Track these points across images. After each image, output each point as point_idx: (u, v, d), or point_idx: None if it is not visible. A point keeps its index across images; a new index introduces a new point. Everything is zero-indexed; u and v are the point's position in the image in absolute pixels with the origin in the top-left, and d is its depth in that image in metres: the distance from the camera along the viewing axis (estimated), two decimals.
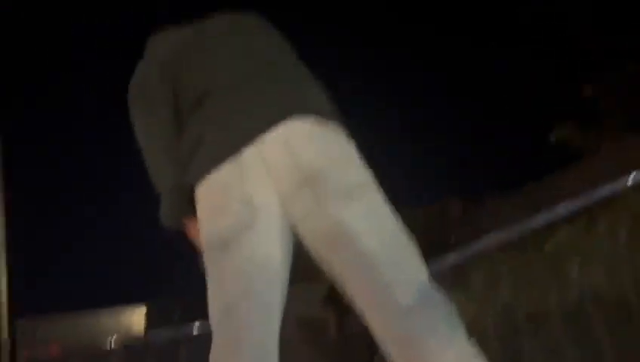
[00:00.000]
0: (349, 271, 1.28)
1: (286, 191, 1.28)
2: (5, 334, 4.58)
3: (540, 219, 2.21)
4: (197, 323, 5.47)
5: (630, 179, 1.93)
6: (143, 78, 1.49)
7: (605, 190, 2.01)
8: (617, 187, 2.00)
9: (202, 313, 1.38)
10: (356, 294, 1.29)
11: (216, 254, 1.31)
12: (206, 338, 1.36)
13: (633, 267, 2.11)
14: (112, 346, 6.35)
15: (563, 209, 2.10)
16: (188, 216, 1.39)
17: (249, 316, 1.29)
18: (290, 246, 1.34)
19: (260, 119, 1.29)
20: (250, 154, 1.27)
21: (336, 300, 2.87)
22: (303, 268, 1.43)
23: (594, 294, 2.16)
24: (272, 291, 1.31)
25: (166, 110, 1.43)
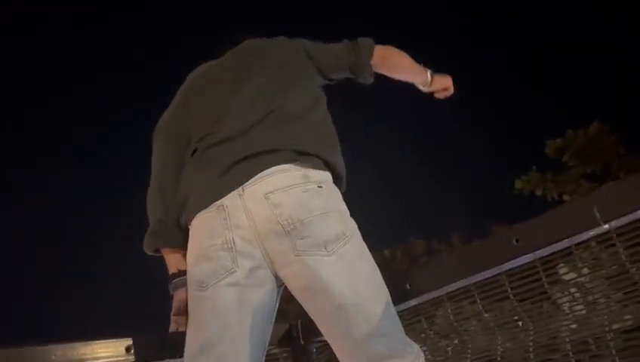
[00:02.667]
0: (325, 320, 1.33)
1: (267, 241, 1.32)
2: None
3: (506, 266, 2.21)
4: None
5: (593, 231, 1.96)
6: (157, 130, 1.62)
7: (573, 239, 2.03)
8: (588, 234, 2.02)
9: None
10: (331, 341, 1.34)
11: (197, 294, 1.37)
12: None
13: (596, 313, 2.12)
14: None
15: (530, 257, 2.11)
16: (168, 248, 1.49)
17: (223, 358, 1.32)
18: (272, 291, 1.39)
19: (244, 172, 1.35)
20: (235, 204, 1.34)
21: (293, 340, 2.79)
22: None
23: (555, 339, 2.16)
24: (250, 334, 1.34)
25: (165, 161, 1.55)
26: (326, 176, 1.41)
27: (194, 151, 1.51)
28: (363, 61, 1.69)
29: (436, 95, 1.90)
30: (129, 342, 2.41)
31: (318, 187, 1.36)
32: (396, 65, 1.80)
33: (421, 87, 1.86)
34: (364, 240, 1.41)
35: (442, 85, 1.87)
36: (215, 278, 1.35)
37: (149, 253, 1.52)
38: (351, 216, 1.45)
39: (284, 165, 1.36)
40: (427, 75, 1.82)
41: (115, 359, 2.37)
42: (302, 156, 1.38)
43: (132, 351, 2.40)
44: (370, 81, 1.76)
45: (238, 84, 1.54)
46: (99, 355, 2.34)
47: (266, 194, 1.33)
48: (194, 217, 1.40)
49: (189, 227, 1.43)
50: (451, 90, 1.90)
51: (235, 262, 1.34)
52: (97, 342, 2.37)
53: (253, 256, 1.34)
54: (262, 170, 1.35)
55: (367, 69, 1.72)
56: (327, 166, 1.43)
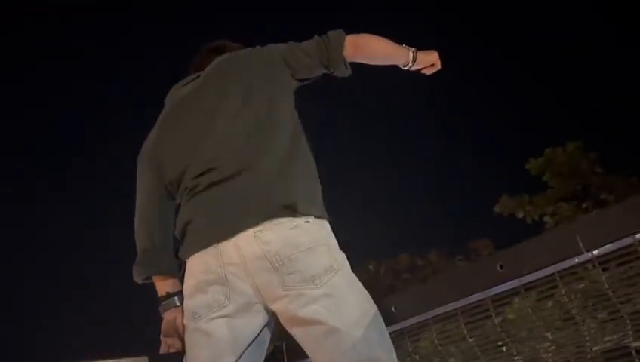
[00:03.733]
0: (314, 348, 1.36)
1: (257, 277, 1.36)
2: None
3: (490, 291, 2.24)
4: None
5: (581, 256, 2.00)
6: (140, 156, 1.65)
7: (562, 264, 2.07)
8: (571, 262, 2.07)
9: None
10: None
11: (192, 324, 1.43)
12: None
13: (577, 342, 2.15)
14: None
15: (515, 283, 2.14)
16: (156, 276, 1.53)
17: None
18: (264, 322, 1.42)
19: (236, 219, 1.39)
20: (227, 243, 1.39)
21: None
22: None
23: None
24: None
25: (149, 191, 1.59)
26: (313, 212, 1.43)
27: (184, 188, 1.52)
28: (335, 55, 1.63)
29: (423, 72, 1.82)
30: (145, 360, 2.39)
31: (305, 222, 1.39)
32: (373, 51, 1.71)
33: (407, 68, 1.77)
34: (349, 252, 1.45)
35: (428, 62, 1.79)
36: (208, 310, 1.40)
37: (139, 281, 1.56)
38: (336, 229, 1.47)
39: (272, 215, 1.39)
40: (410, 54, 1.74)
41: None
42: (289, 201, 1.40)
43: None
44: (348, 73, 1.69)
45: (214, 120, 1.53)
46: None
47: (256, 232, 1.37)
48: (191, 254, 1.45)
49: (186, 261, 1.47)
50: (438, 66, 1.82)
51: (228, 297, 1.38)
52: (112, 360, 2.33)
53: (245, 292, 1.38)
54: (252, 222, 1.38)
55: (340, 63, 1.64)
56: (316, 207, 1.45)
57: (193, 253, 1.44)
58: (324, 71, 1.68)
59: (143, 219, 1.58)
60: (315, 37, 1.66)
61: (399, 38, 1.76)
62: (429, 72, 1.83)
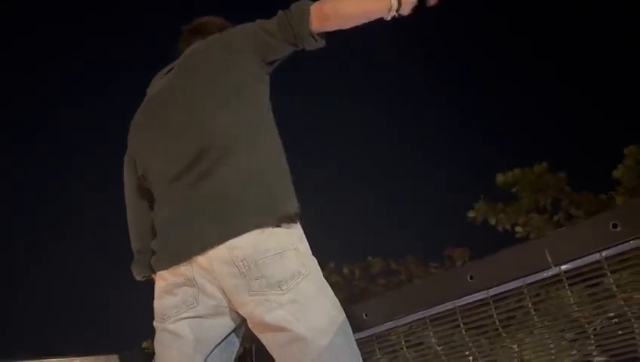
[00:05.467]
0: (280, 354, 1.35)
1: (223, 282, 1.36)
2: None
3: (460, 302, 2.27)
4: None
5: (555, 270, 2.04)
6: (126, 156, 1.64)
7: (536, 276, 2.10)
8: (534, 278, 2.10)
9: None
10: None
11: (160, 326, 1.43)
12: None
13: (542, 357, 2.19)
14: None
15: (484, 294, 2.17)
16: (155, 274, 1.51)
17: None
18: (232, 324, 1.43)
19: (207, 235, 1.37)
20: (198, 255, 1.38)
21: None
22: None
23: None
24: None
25: (130, 191, 1.61)
26: (284, 218, 1.40)
27: (155, 186, 1.53)
28: (300, 30, 1.47)
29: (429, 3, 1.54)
30: (115, 358, 2.35)
31: (275, 227, 1.37)
32: (344, 13, 1.49)
33: (395, 15, 1.52)
34: (320, 255, 1.44)
35: None
36: (177, 311, 1.40)
37: (139, 279, 1.60)
38: (308, 232, 1.45)
39: (244, 227, 1.36)
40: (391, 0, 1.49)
41: None
42: (258, 211, 1.38)
43: None
44: (321, 44, 1.54)
45: (183, 119, 1.48)
46: None
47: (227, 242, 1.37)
48: (164, 268, 1.45)
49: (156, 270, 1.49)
50: None
51: (196, 299, 1.39)
52: (81, 357, 2.30)
53: (214, 295, 1.39)
54: (224, 238, 1.36)
55: (308, 37, 1.49)
56: (287, 213, 1.42)
57: (164, 268, 1.44)
58: (294, 48, 1.54)
59: (132, 220, 1.61)
60: (279, 12, 1.52)
61: None
62: (432, 2, 1.56)
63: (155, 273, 1.52)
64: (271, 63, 1.56)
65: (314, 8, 1.49)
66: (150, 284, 1.57)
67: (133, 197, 1.61)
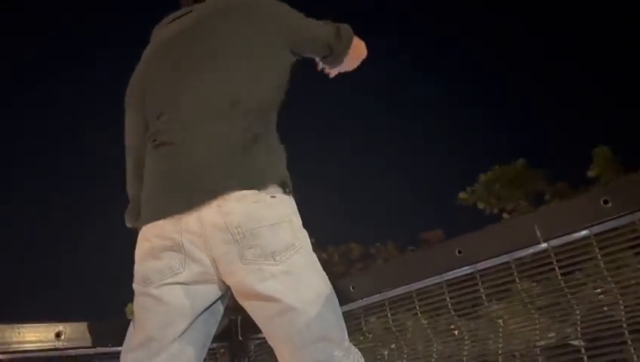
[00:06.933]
0: (268, 325, 1.33)
1: (215, 248, 1.32)
2: None
3: (447, 276, 2.27)
4: None
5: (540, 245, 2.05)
6: (127, 95, 1.57)
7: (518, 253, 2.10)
8: (522, 253, 2.11)
9: None
10: (273, 344, 1.35)
11: (141, 289, 1.38)
12: None
13: (525, 329, 2.18)
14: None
15: (471, 268, 2.18)
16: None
17: (163, 353, 1.35)
18: (218, 293, 1.39)
19: (200, 192, 1.34)
20: (190, 214, 1.33)
21: (232, 335, 2.77)
22: None
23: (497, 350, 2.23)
24: (192, 332, 1.37)
25: (138, 131, 1.52)
26: (279, 188, 1.40)
27: (152, 134, 1.47)
28: (341, 51, 1.61)
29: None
30: (59, 327, 2.31)
31: (271, 197, 1.36)
32: (358, 56, 1.71)
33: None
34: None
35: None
36: (161, 276, 1.36)
37: (130, 227, 1.52)
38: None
39: (237, 187, 1.34)
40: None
41: (44, 345, 2.25)
42: (254, 175, 1.37)
43: (62, 336, 2.30)
44: (335, 66, 1.69)
45: (198, 72, 1.44)
46: (27, 339, 2.23)
47: (219, 205, 1.33)
48: (150, 222, 1.40)
49: (143, 228, 1.42)
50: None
51: (182, 265, 1.35)
52: (26, 325, 2.25)
53: (202, 262, 1.35)
54: (216, 194, 1.33)
55: (340, 60, 1.65)
56: (281, 183, 1.41)
57: (150, 221, 1.39)
58: (319, 57, 1.67)
59: (132, 164, 1.53)
60: (330, 25, 1.60)
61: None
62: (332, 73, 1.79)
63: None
64: (295, 55, 1.59)
65: (356, 41, 1.65)
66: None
67: (138, 137, 1.52)
